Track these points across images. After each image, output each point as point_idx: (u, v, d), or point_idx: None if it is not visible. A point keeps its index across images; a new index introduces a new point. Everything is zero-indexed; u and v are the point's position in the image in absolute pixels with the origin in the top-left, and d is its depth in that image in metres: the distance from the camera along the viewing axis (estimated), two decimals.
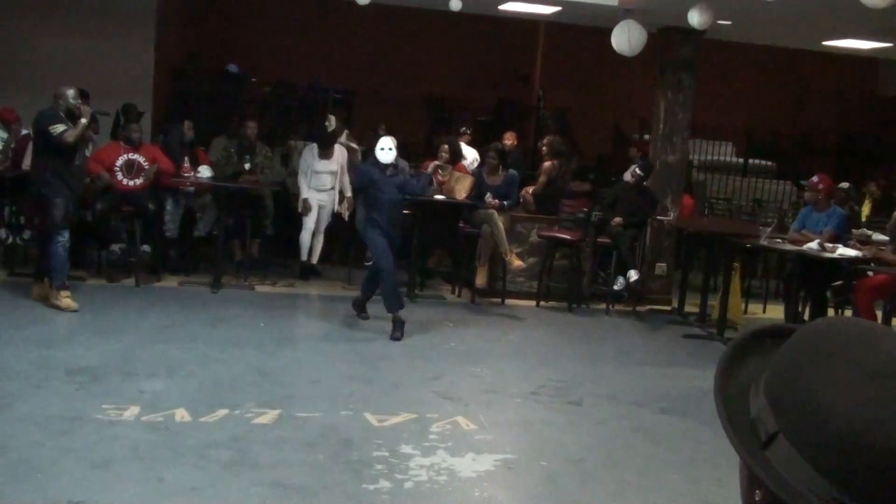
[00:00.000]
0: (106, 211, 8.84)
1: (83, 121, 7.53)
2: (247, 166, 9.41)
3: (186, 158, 9.49)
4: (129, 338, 6.84)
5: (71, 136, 7.46)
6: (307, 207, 9.56)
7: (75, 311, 7.49)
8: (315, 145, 9.73)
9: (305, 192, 9.59)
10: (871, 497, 0.89)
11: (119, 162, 8.82)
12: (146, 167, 8.90)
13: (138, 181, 8.87)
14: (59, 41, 10.91)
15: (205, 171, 9.22)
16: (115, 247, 9.04)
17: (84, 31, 11.05)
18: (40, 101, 7.93)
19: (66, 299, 7.56)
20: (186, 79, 12.61)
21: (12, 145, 9.17)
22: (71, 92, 7.66)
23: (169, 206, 9.38)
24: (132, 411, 5.22)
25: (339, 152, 9.85)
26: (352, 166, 9.47)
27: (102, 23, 11.13)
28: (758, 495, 0.98)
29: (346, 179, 9.86)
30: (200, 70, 12.72)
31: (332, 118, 10.15)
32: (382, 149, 7.76)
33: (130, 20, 11.28)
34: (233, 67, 12.49)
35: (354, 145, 9.77)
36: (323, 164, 9.66)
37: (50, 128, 7.45)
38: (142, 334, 7.00)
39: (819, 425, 0.91)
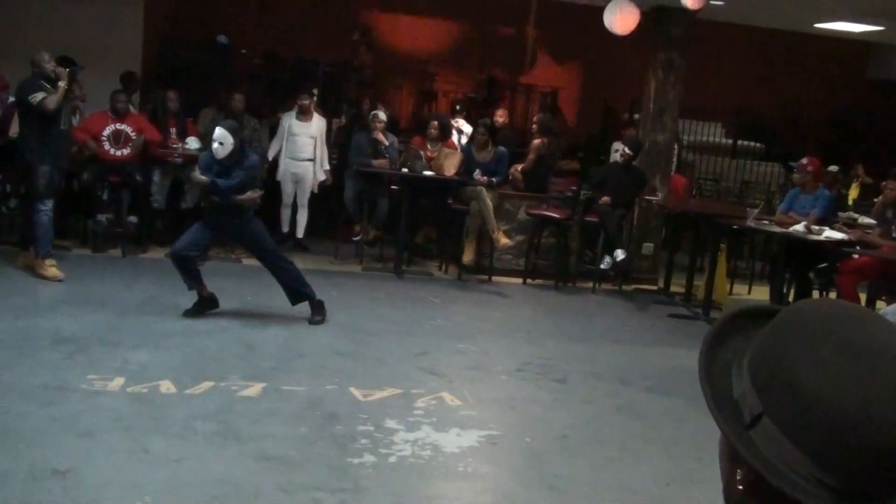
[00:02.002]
0: (92, 181, 8.79)
1: (62, 84, 7.47)
2: None
3: (174, 129, 9.44)
4: (114, 309, 6.82)
5: (52, 102, 7.41)
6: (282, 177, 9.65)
7: (60, 280, 7.46)
8: (293, 111, 9.71)
9: (278, 154, 9.61)
10: (854, 476, 0.91)
11: (106, 131, 8.77)
12: (133, 137, 8.85)
13: (125, 151, 8.82)
14: (46, 7, 10.78)
15: (193, 143, 9.17)
16: (102, 217, 9.00)
17: None
18: (27, 68, 7.84)
19: (51, 268, 7.53)
20: (175, 48, 12.50)
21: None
22: (45, 56, 7.57)
23: (156, 177, 9.33)
24: (117, 382, 5.22)
25: (318, 120, 9.83)
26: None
27: None
28: (739, 474, 0.99)
29: (325, 151, 9.89)
30: (189, 40, 12.61)
31: (315, 90, 10.12)
32: (214, 141, 6.71)
33: None
34: (222, 38, 12.39)
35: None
36: (300, 127, 9.64)
37: (30, 97, 7.40)
38: (127, 305, 6.98)
39: (803, 406, 0.92)
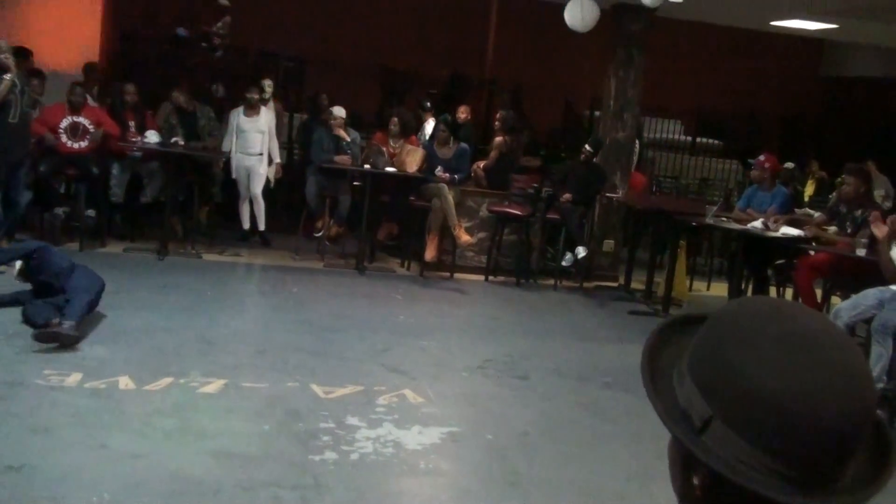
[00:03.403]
0: (49, 173, 8.66)
1: (6, 77, 7.34)
2: (178, 140, 9.16)
3: (133, 123, 9.33)
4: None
5: None
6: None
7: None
8: (241, 107, 9.66)
9: (230, 151, 9.60)
10: (808, 463, 0.94)
11: (63, 124, 8.65)
12: (91, 130, 8.74)
13: (83, 144, 8.70)
14: None
15: (152, 136, 9.07)
16: (59, 210, 8.88)
17: None
18: None
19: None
20: (135, 41, 12.34)
21: None
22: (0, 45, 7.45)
23: (115, 170, 9.22)
24: (74, 377, 5.15)
25: (267, 114, 9.79)
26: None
27: None
28: (696, 480, 1.01)
29: (275, 144, 9.86)
30: (149, 33, 12.46)
31: (269, 82, 10.06)
32: None
33: None
34: (181, 31, 12.25)
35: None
36: (249, 123, 9.60)
37: None
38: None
39: (750, 402, 0.94)
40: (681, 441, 0.99)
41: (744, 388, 0.95)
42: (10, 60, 7.38)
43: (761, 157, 9.00)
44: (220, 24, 12.11)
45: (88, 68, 10.06)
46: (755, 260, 8.55)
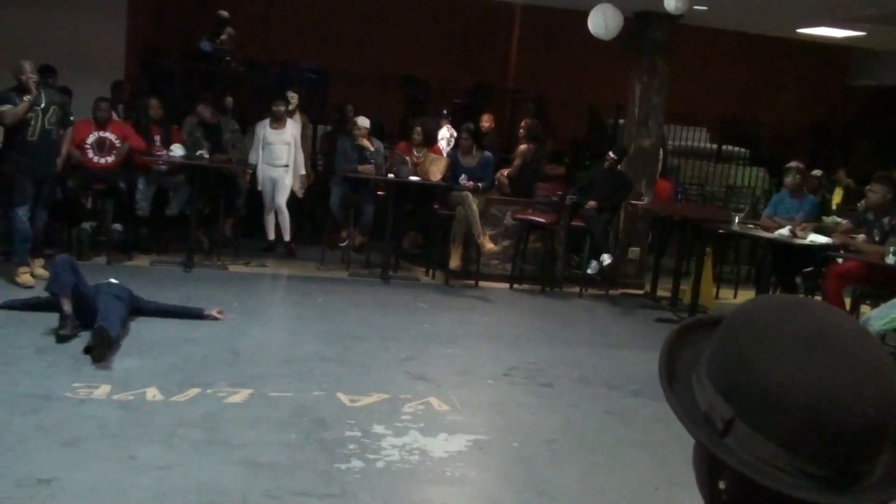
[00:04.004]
0: (77, 189, 8.75)
1: (27, 98, 7.43)
2: (203, 153, 9.17)
3: (158, 137, 9.41)
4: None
5: (9, 115, 7.41)
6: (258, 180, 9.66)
7: (31, 286, 7.43)
8: (267, 119, 9.71)
9: (256, 163, 9.64)
10: (834, 460, 0.93)
11: (90, 140, 8.74)
12: (117, 145, 8.82)
13: (109, 159, 8.78)
14: (29, 16, 10.74)
15: (177, 150, 9.13)
16: (86, 225, 8.97)
17: (55, 5, 10.87)
18: (9, 77, 7.82)
19: (24, 275, 7.52)
20: (158, 56, 12.46)
21: None
22: (24, 66, 7.51)
23: (141, 184, 9.29)
24: (103, 390, 5.19)
25: (293, 126, 9.84)
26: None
27: None
28: (722, 484, 0.99)
29: (300, 156, 9.89)
30: (172, 49, 12.57)
31: (293, 94, 10.11)
32: None
33: None
34: (205, 45, 12.34)
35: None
36: (274, 135, 9.64)
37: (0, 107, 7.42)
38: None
39: (772, 402, 0.93)
40: (704, 445, 0.98)
41: (764, 387, 0.94)
42: (31, 82, 7.45)
43: (794, 163, 8.94)
44: (224, 37, 12.21)
45: (115, 86, 10.17)
46: (783, 268, 8.48)
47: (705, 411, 0.99)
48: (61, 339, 6.02)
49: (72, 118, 8.22)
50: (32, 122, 7.54)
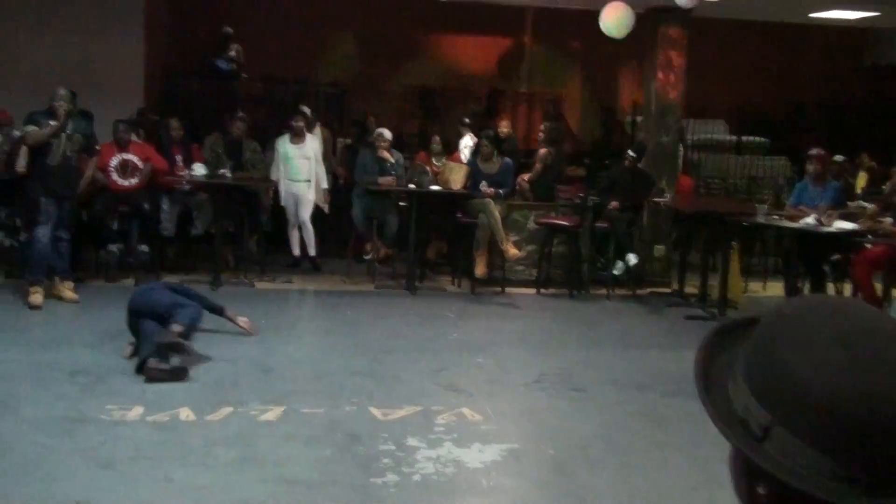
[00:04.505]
0: (102, 211, 8.83)
1: (52, 122, 7.54)
2: (226, 172, 9.19)
3: (179, 157, 9.47)
4: (130, 338, 6.80)
5: (32, 136, 7.58)
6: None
7: (39, 307, 7.52)
8: (287, 135, 9.75)
9: (278, 179, 9.64)
10: (879, 465, 0.91)
11: (113, 162, 8.82)
12: (140, 166, 8.89)
13: (133, 181, 8.86)
14: (51, 43, 10.85)
15: (199, 169, 9.19)
16: (113, 247, 9.05)
17: (75, 31, 10.99)
18: (33, 103, 7.94)
19: (34, 295, 7.62)
20: (176, 76, 12.56)
21: (5, 147, 9.14)
22: (58, 92, 7.66)
23: (165, 204, 9.36)
24: (136, 411, 5.22)
25: (313, 140, 9.87)
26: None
27: (92, 22, 11.07)
28: (761, 489, 0.98)
29: (322, 170, 9.92)
30: (190, 67, 12.67)
31: (306, 108, 10.15)
32: None
33: (119, 19, 11.21)
34: (221, 63, 12.43)
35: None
36: (294, 150, 9.68)
37: (23, 127, 7.60)
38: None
39: (813, 407, 0.92)
40: (742, 451, 0.97)
41: (802, 391, 0.92)
42: (61, 108, 7.55)
43: (815, 150, 8.86)
44: (232, 53, 12.31)
45: (140, 112, 10.28)
46: (810, 257, 8.41)
47: (742, 416, 0.98)
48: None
49: (97, 147, 8.33)
50: (54, 147, 7.67)
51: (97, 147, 8.28)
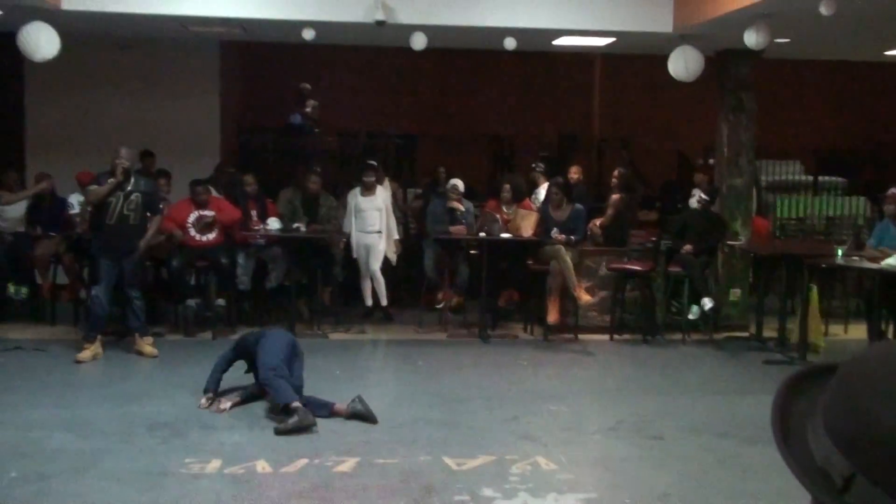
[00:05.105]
0: (181, 267, 9.03)
1: (110, 180, 7.74)
2: (300, 226, 9.30)
3: (254, 212, 9.67)
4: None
5: (92, 195, 7.84)
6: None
7: (83, 362, 7.73)
8: (358, 188, 9.87)
9: (353, 234, 9.75)
10: None
11: (190, 219, 9.03)
12: (216, 222, 9.06)
13: (210, 236, 9.05)
14: (130, 103, 11.28)
15: (273, 223, 9.36)
16: (191, 301, 9.24)
17: (153, 92, 11.40)
18: (108, 163, 8.18)
19: (84, 352, 7.80)
20: (251, 132, 12.88)
21: (89, 207, 9.45)
22: (119, 151, 7.87)
23: (240, 258, 9.54)
24: (214, 464, 5.28)
25: (383, 192, 9.97)
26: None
27: (170, 84, 11.48)
28: None
29: (392, 221, 10.00)
30: (264, 123, 12.99)
31: (373, 163, 10.26)
32: None
33: (196, 78, 11.61)
34: (296, 118, 12.72)
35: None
36: (366, 202, 9.78)
37: (88, 188, 7.95)
38: (220, 387, 7.07)
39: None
40: (823, 502, 0.94)
41: (886, 441, 0.90)
42: (119, 167, 7.75)
43: (893, 190, 8.65)
44: (308, 110, 12.58)
45: (218, 168, 10.56)
46: (893, 299, 8.16)
47: (822, 466, 0.96)
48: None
49: (161, 206, 8.43)
50: (112, 206, 7.85)
51: (160, 206, 8.39)
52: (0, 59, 9.65)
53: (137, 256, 8.16)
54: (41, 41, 8.02)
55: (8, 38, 8.34)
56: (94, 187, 7.92)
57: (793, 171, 13.60)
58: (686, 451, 5.84)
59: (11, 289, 9.31)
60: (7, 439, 5.67)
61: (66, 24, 8.32)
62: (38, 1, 7.82)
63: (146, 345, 8.13)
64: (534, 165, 11.17)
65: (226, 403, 6.42)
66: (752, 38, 8.08)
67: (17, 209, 9.51)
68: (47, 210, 9.50)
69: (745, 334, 9.79)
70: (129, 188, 7.89)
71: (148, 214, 8.13)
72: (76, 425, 6.00)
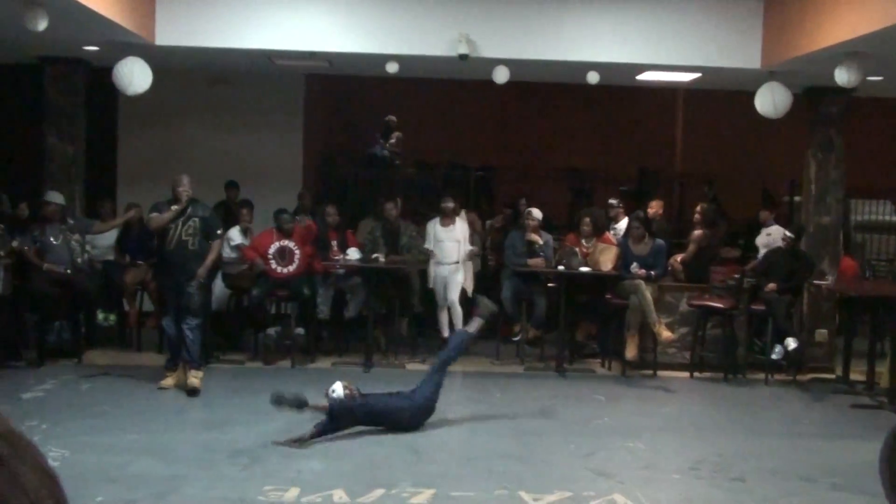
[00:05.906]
0: (261, 296, 9.18)
1: (174, 207, 7.88)
2: (380, 256, 9.36)
3: (335, 242, 9.79)
4: (286, 419, 6.98)
5: (153, 220, 7.97)
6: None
7: (164, 389, 7.88)
8: (437, 219, 9.91)
9: (431, 265, 9.77)
10: None
11: (272, 249, 9.17)
12: (297, 253, 9.17)
13: (291, 268, 9.17)
14: (218, 136, 11.58)
15: (353, 254, 9.46)
16: (272, 330, 9.38)
17: (238, 124, 11.69)
18: (201, 195, 8.37)
19: (167, 379, 7.96)
20: (333, 164, 13.08)
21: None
22: (181, 179, 7.99)
23: (321, 288, 9.66)
24: (292, 493, 5.33)
25: (461, 224, 9.99)
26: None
27: (255, 116, 11.75)
28: None
29: (470, 249, 10.02)
30: (346, 155, 13.18)
31: (449, 198, 10.27)
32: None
33: (280, 111, 11.87)
34: (377, 150, 12.88)
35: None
36: (445, 233, 9.81)
37: (148, 215, 8.10)
38: (299, 416, 7.13)
39: None
40: None
41: None
42: (182, 194, 7.88)
43: None
44: (393, 141, 12.72)
45: (301, 196, 10.74)
46: None
47: None
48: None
49: (219, 231, 8.37)
50: (171, 232, 7.94)
51: (218, 232, 8.34)
52: (96, 93, 10.00)
53: (197, 284, 8.04)
54: (134, 76, 8.27)
55: (104, 73, 8.63)
56: (154, 214, 7.95)
57: (883, 211, 13.24)
58: (769, 494, 5.68)
59: (100, 315, 9.58)
60: (94, 463, 5.81)
61: (159, 59, 8.59)
62: (134, 37, 8.08)
63: (192, 377, 7.86)
64: (611, 202, 11.08)
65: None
66: (843, 76, 7.85)
67: (108, 238, 9.80)
68: (136, 238, 9.75)
69: (831, 376, 9.52)
70: (188, 213, 8.00)
71: (208, 241, 8.10)
72: (159, 451, 6.12)
